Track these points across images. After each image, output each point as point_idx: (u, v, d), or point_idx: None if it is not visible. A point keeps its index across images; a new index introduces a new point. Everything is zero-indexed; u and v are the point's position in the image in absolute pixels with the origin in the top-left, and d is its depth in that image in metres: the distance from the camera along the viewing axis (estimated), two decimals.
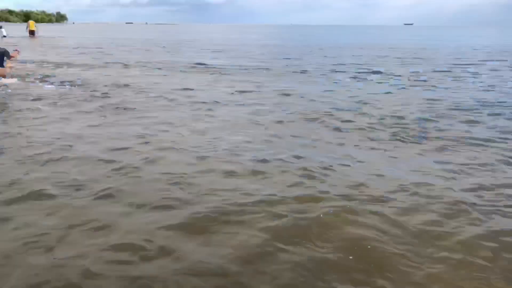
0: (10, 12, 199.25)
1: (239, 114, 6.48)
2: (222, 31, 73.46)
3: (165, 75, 11.55)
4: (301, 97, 8.13)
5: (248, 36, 47.96)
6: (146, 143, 4.91)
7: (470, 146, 4.89)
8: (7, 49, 9.38)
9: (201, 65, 13.96)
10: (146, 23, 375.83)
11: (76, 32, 54.55)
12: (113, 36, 43.34)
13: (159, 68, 13.13)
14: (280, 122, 6.04)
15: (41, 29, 35.87)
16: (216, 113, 6.57)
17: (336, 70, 12.83)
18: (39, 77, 10.45)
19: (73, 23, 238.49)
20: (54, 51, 20.70)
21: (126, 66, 13.76)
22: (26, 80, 9.85)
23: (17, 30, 38.64)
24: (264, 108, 6.95)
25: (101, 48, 23.38)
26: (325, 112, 6.65)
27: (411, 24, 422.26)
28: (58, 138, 5.06)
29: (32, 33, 33.38)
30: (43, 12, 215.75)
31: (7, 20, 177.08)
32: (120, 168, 4.06)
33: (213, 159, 4.39)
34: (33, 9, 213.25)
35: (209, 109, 6.89)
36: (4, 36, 31.09)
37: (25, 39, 30.85)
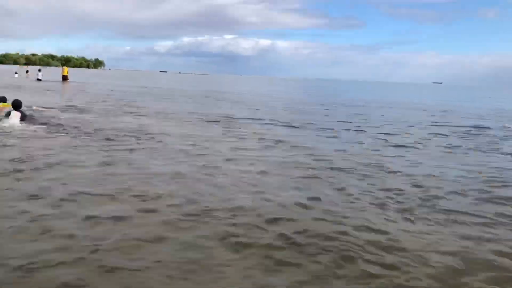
0: (52, 56, 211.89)
1: (249, 174, 5.98)
2: (252, 83, 75.15)
3: (180, 126, 11.29)
4: (310, 154, 7.70)
5: (275, 89, 48.66)
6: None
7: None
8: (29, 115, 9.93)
9: (223, 117, 13.71)
10: (179, 72, 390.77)
11: (109, 79, 56.65)
12: (143, 83, 44.63)
13: (179, 119, 12.93)
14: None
15: (77, 74, 37.41)
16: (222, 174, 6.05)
17: (358, 129, 12.28)
18: (54, 122, 10.31)
19: (109, 69, 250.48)
20: (81, 96, 21.10)
21: (145, 115, 13.63)
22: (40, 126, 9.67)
23: (54, 74, 40.26)
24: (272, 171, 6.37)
25: (127, 95, 23.85)
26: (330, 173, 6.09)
27: (440, 83, 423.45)
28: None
29: (65, 78, 34.84)
30: (82, 58, 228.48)
31: (48, 64, 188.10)
32: None
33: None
34: (74, 55, 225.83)
35: (216, 167, 6.41)
36: (39, 80, 32.75)
37: (58, 83, 32.10)
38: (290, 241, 3.74)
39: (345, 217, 4.37)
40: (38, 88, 25.15)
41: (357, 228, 4.07)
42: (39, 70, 35.17)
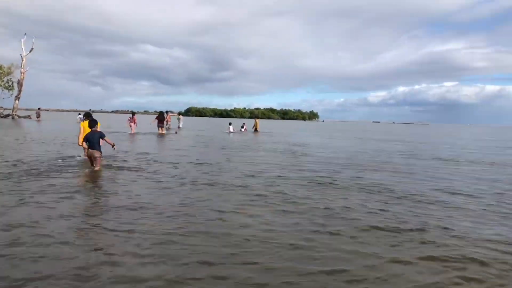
0: (272, 110, 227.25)
1: None
2: (480, 134, 55.84)
3: None
4: None
5: None
6: None
7: None
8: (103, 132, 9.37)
9: None
10: (393, 122, 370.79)
11: (307, 131, 47.22)
12: (355, 135, 35.04)
13: None
14: None
15: (286, 126, 32.04)
16: None
17: None
18: None
19: (323, 120, 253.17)
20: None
21: None
22: None
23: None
24: None
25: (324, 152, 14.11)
26: None
27: None
28: None
29: (256, 130, 34.57)
30: (299, 110, 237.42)
31: (268, 117, 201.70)
32: None
33: None
34: (291, 108, 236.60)
35: None
36: (231, 132, 31.30)
37: (249, 134, 30.04)
38: None
39: None
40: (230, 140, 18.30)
41: None
42: (230, 124, 34.44)
